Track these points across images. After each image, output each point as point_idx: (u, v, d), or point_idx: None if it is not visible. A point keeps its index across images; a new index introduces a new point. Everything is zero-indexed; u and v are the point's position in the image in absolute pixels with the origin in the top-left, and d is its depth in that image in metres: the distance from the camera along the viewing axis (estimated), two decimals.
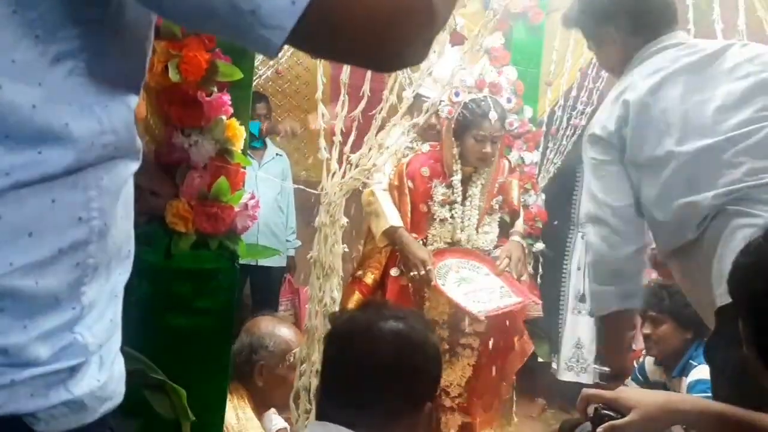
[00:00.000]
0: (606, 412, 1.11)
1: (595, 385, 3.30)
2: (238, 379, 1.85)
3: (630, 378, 2.59)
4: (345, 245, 2.03)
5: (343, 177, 1.95)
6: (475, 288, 2.53)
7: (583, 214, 1.65)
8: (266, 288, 3.82)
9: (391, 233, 2.53)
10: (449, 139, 2.60)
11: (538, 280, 3.33)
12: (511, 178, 2.79)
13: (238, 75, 1.40)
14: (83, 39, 0.57)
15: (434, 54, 2.07)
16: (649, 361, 2.52)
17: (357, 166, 1.96)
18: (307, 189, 2.06)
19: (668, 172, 1.48)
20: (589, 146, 1.62)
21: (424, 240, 2.63)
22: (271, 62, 3.79)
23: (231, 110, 1.43)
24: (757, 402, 1.07)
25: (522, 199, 3.07)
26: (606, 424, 1.09)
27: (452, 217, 2.63)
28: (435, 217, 2.62)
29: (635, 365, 2.65)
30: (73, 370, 0.60)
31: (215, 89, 1.40)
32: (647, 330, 2.42)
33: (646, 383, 2.48)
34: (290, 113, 4.50)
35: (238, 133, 1.45)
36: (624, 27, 1.64)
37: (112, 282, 0.64)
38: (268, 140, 3.88)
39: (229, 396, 1.63)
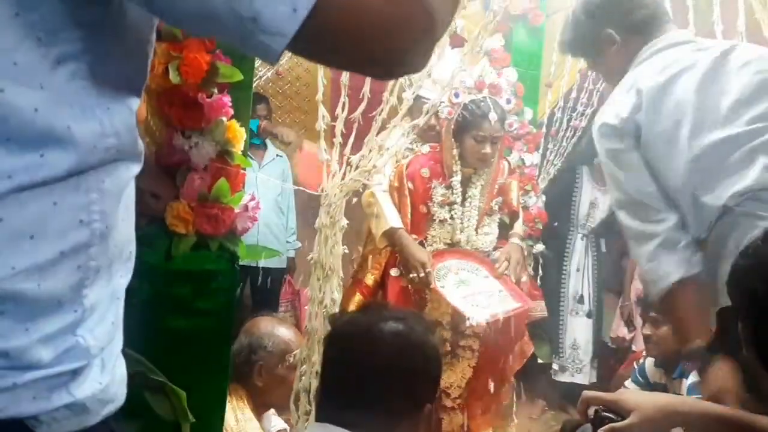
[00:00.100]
0: (606, 414, 1.11)
1: (594, 387, 3.31)
2: (237, 380, 1.85)
3: (630, 380, 2.59)
4: (345, 246, 2.03)
5: (343, 178, 1.95)
6: (474, 291, 2.53)
7: (613, 201, 1.62)
8: (266, 289, 3.82)
9: (390, 234, 2.53)
10: (449, 140, 2.60)
11: (538, 281, 3.34)
12: (511, 180, 2.80)
13: (239, 76, 1.40)
14: (85, 41, 0.57)
15: (434, 56, 2.06)
16: (649, 362, 2.52)
17: (357, 167, 1.96)
18: (308, 190, 2.06)
19: (682, 164, 1.47)
20: (602, 137, 1.58)
21: (424, 241, 2.63)
22: None
23: (231, 112, 1.43)
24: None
25: (522, 201, 3.07)
26: (606, 426, 1.09)
27: (452, 217, 2.63)
28: (434, 218, 2.62)
29: (635, 367, 2.66)
30: (75, 373, 0.60)
31: (216, 91, 1.40)
32: (648, 331, 2.42)
33: (647, 385, 2.48)
34: (291, 114, 4.51)
35: (238, 134, 1.45)
36: (624, 26, 1.64)
37: (113, 284, 0.64)
38: (268, 141, 3.88)
39: (228, 397, 1.63)
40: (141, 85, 0.65)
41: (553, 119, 3.52)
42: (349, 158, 1.96)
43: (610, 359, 3.90)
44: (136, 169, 0.65)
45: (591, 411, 1.14)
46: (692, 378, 2.22)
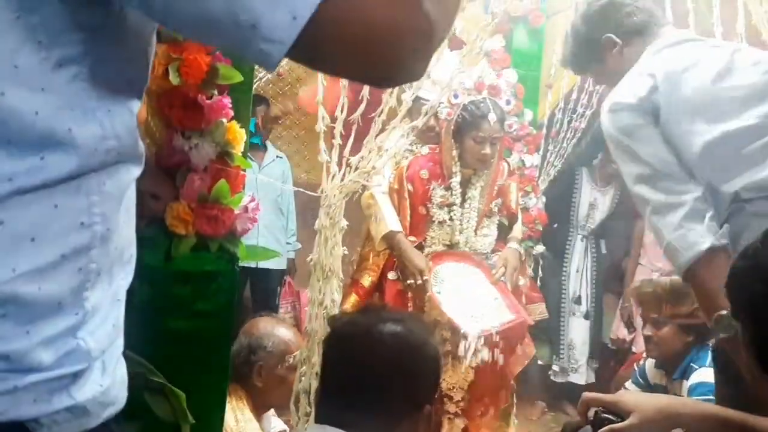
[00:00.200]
0: (606, 415, 1.11)
1: (589, 386, 3.30)
2: (236, 380, 1.84)
3: (630, 381, 2.59)
4: (345, 248, 2.03)
5: (342, 179, 1.95)
6: (470, 298, 2.53)
7: (632, 178, 1.54)
8: (266, 290, 3.82)
9: (390, 238, 2.53)
10: (448, 141, 2.60)
11: (539, 282, 3.34)
12: (510, 181, 2.80)
13: (239, 78, 1.40)
14: (86, 44, 0.57)
15: (433, 57, 2.07)
16: (649, 363, 2.52)
17: (356, 168, 1.96)
18: (307, 191, 2.06)
19: (697, 149, 1.46)
20: (615, 114, 1.54)
21: (423, 242, 2.63)
22: None
23: (231, 113, 1.43)
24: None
25: (522, 202, 3.07)
26: (606, 427, 1.09)
27: (451, 219, 2.63)
28: (434, 219, 2.62)
29: (635, 368, 2.65)
30: (75, 376, 0.60)
31: (216, 92, 1.40)
32: (648, 332, 2.42)
33: (647, 386, 2.47)
34: (290, 115, 4.51)
35: (238, 135, 1.45)
36: (624, 29, 1.65)
37: (114, 287, 0.64)
38: (268, 143, 3.89)
39: (227, 397, 1.63)
40: (142, 87, 0.65)
41: (553, 120, 3.52)
42: (348, 159, 1.96)
43: (610, 360, 3.90)
44: (137, 171, 0.65)
45: (591, 412, 1.14)
46: (693, 379, 2.22)
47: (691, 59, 1.55)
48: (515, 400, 2.87)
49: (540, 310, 3.08)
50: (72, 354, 0.59)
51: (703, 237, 1.42)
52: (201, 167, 1.40)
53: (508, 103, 2.70)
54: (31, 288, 0.56)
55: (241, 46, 0.55)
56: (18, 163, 0.54)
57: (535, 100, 3.35)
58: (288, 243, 3.88)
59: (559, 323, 3.71)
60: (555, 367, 3.72)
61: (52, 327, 0.58)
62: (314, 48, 0.54)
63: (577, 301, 3.77)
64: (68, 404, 0.59)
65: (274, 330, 1.96)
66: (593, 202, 3.83)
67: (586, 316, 3.76)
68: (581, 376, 3.70)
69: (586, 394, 1.17)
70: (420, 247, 2.62)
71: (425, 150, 2.69)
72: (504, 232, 2.79)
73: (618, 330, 3.87)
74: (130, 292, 0.68)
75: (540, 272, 3.40)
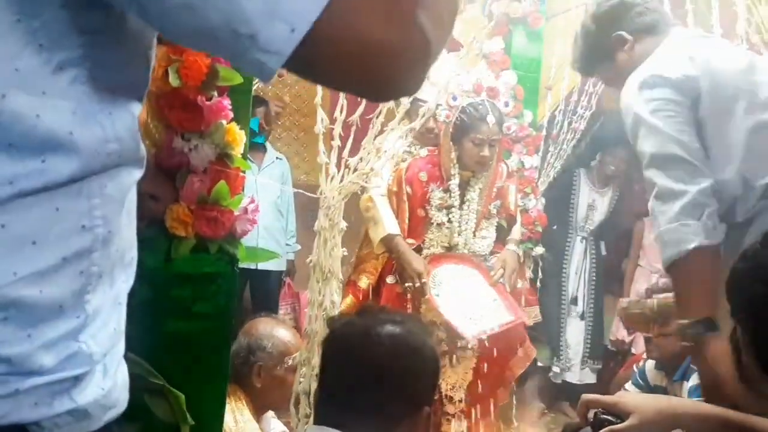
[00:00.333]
0: (606, 416, 1.11)
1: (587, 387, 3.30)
2: (235, 381, 1.84)
3: (630, 382, 2.59)
4: (344, 249, 2.03)
5: (341, 181, 1.95)
6: (469, 300, 2.53)
7: (647, 158, 1.50)
8: (266, 292, 3.82)
9: (388, 241, 2.53)
10: (447, 143, 2.60)
11: (538, 284, 3.34)
12: (509, 183, 2.80)
13: (238, 79, 1.40)
14: (87, 47, 0.57)
15: None
16: (649, 365, 2.52)
17: (355, 170, 1.96)
18: (307, 193, 2.06)
19: (734, 137, 1.45)
20: (650, 88, 1.49)
21: (422, 244, 2.63)
22: None
23: (231, 115, 1.43)
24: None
25: (522, 203, 3.07)
26: (606, 429, 1.09)
27: (449, 221, 2.63)
28: (432, 221, 2.63)
29: (635, 369, 2.65)
30: (77, 379, 0.60)
31: (215, 94, 1.40)
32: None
33: (647, 387, 2.47)
34: (290, 117, 4.51)
35: (237, 137, 1.45)
36: (634, 27, 1.65)
37: (115, 290, 0.64)
38: (268, 144, 3.89)
39: (227, 398, 1.63)
40: (143, 90, 0.65)
41: (553, 122, 3.52)
42: (347, 161, 1.96)
43: (610, 362, 3.90)
44: (138, 174, 0.65)
45: (591, 414, 1.14)
46: (693, 380, 2.22)
47: (723, 49, 1.55)
48: (515, 401, 2.87)
49: (535, 314, 3.09)
50: (73, 357, 0.59)
51: (693, 235, 1.42)
52: (201, 169, 1.40)
53: (506, 105, 2.70)
54: (32, 291, 0.56)
55: (238, 55, 0.55)
56: (19, 166, 0.54)
57: (534, 102, 3.35)
58: (287, 244, 3.88)
59: (559, 325, 3.71)
60: (555, 369, 3.72)
61: (53, 330, 0.58)
62: (310, 61, 0.55)
63: (574, 301, 3.78)
64: (70, 407, 0.59)
65: (274, 331, 1.95)
66: (592, 203, 3.83)
67: (582, 317, 3.77)
68: (574, 375, 3.72)
69: (586, 396, 1.17)
70: (418, 250, 2.62)
71: (424, 152, 2.69)
72: (503, 234, 2.79)
73: (618, 331, 3.87)
74: (130, 294, 0.68)
75: (540, 274, 3.40)
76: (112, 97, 0.59)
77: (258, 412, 1.90)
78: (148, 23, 0.58)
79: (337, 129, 1.88)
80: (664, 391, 2.39)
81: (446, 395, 2.58)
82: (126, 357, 0.68)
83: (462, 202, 2.64)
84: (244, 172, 1.49)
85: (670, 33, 1.63)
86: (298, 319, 3.85)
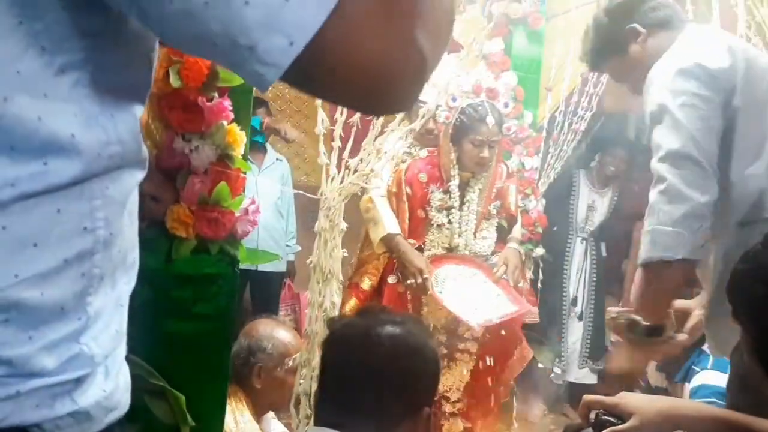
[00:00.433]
0: (607, 417, 1.11)
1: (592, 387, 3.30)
2: (236, 382, 1.84)
3: None
4: (345, 250, 2.03)
5: (341, 182, 1.96)
6: (472, 295, 2.53)
7: (662, 151, 1.47)
8: (266, 293, 3.82)
9: (388, 241, 2.54)
10: (447, 144, 2.60)
11: (539, 285, 3.34)
12: (509, 183, 2.80)
13: (239, 80, 1.40)
14: (88, 50, 0.57)
15: None
16: (650, 366, 2.52)
17: (355, 171, 1.96)
18: (307, 194, 2.06)
19: (766, 127, 1.44)
20: (687, 78, 1.46)
21: (422, 245, 2.63)
22: None
23: (231, 115, 1.43)
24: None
25: (522, 204, 3.07)
26: (607, 430, 1.09)
27: (450, 222, 2.63)
28: (432, 222, 2.63)
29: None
30: (78, 381, 0.59)
31: (216, 95, 1.40)
32: None
33: (648, 389, 2.47)
34: (290, 118, 4.51)
35: (238, 138, 1.45)
36: (648, 21, 1.65)
37: (117, 291, 0.64)
38: (268, 145, 3.89)
39: (227, 399, 1.63)
40: (145, 92, 0.65)
41: (554, 123, 3.53)
42: (347, 162, 1.96)
43: None
44: (140, 175, 0.65)
45: (592, 415, 1.14)
46: (695, 382, 2.22)
47: (751, 48, 1.54)
48: (515, 402, 2.87)
49: (534, 314, 3.09)
50: (75, 359, 0.59)
51: (682, 247, 1.43)
52: (201, 170, 1.40)
53: (506, 106, 2.70)
54: (33, 293, 0.56)
55: (236, 65, 0.55)
56: (21, 168, 0.54)
57: (535, 103, 3.35)
58: (288, 245, 3.88)
59: (560, 326, 3.71)
60: (556, 370, 3.72)
61: (54, 332, 0.58)
62: (308, 74, 0.55)
63: (573, 302, 3.78)
64: (71, 409, 0.59)
65: (274, 332, 1.95)
66: (591, 204, 3.83)
67: (580, 317, 3.77)
68: (575, 375, 3.72)
69: (587, 397, 1.17)
70: (419, 251, 2.62)
71: (424, 153, 2.69)
72: (503, 235, 2.79)
73: None
74: (131, 295, 0.68)
75: (540, 275, 3.40)
76: (114, 99, 0.59)
77: (258, 413, 1.90)
78: (148, 27, 0.58)
79: (338, 130, 1.89)
80: (665, 392, 2.40)
81: (443, 395, 2.58)
82: (126, 358, 0.68)
83: (462, 203, 2.64)
84: (244, 173, 1.49)
85: (684, 29, 1.62)
86: (298, 320, 3.85)
